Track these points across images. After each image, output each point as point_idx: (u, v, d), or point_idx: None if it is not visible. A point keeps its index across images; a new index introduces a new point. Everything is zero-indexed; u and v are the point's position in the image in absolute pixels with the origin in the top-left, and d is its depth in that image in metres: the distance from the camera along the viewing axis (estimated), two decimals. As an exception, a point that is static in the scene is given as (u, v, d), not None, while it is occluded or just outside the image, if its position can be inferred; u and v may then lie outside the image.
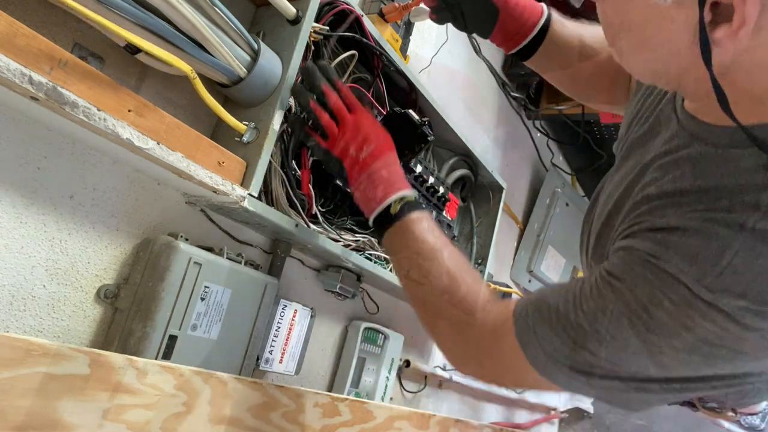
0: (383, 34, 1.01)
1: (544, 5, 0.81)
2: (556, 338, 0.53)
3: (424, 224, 0.68)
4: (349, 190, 0.93)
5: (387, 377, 1.24)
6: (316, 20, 0.83)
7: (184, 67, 0.66)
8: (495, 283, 1.67)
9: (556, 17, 0.81)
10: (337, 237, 0.96)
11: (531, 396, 2.11)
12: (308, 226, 0.88)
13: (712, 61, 0.44)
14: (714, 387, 0.53)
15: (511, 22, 0.79)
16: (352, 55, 0.93)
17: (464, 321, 0.60)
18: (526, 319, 0.56)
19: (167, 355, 0.72)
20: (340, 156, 0.73)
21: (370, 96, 1.02)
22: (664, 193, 0.53)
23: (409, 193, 0.71)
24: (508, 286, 1.72)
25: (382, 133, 0.75)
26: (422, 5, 0.90)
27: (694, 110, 0.55)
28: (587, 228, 0.69)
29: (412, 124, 0.91)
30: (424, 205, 0.68)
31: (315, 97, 0.74)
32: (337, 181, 0.91)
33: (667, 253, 0.49)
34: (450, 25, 0.83)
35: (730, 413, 1.07)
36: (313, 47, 0.86)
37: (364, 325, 1.18)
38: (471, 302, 0.61)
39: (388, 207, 0.69)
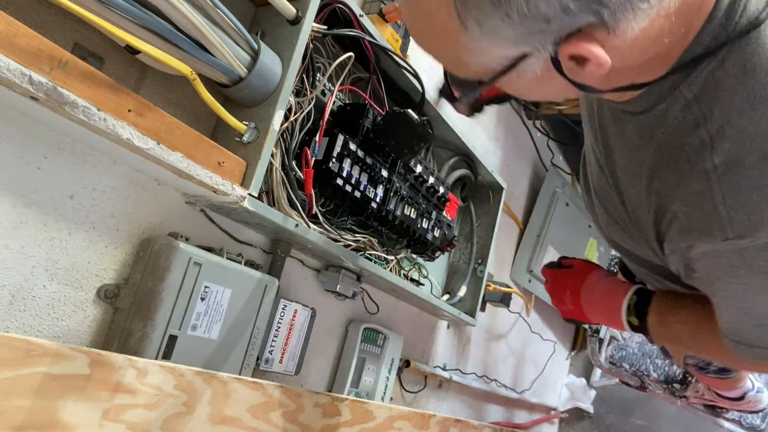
0: (383, 34, 1.01)
1: None
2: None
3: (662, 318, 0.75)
4: (348, 189, 0.93)
5: (387, 377, 1.24)
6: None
7: (183, 68, 0.66)
8: (495, 282, 1.67)
9: None
10: (337, 237, 0.96)
11: (531, 396, 2.11)
12: (308, 226, 0.88)
13: (595, 88, 0.49)
14: None
15: None
16: (350, 57, 0.93)
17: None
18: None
19: (167, 355, 0.72)
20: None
21: (367, 97, 1.02)
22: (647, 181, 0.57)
23: (626, 299, 0.78)
24: (508, 286, 1.72)
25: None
26: None
27: (611, 97, 0.58)
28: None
29: (411, 124, 0.91)
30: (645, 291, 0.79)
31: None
32: (338, 181, 0.91)
33: (697, 240, 0.53)
34: None
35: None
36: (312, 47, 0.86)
37: (364, 325, 1.18)
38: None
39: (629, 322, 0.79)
